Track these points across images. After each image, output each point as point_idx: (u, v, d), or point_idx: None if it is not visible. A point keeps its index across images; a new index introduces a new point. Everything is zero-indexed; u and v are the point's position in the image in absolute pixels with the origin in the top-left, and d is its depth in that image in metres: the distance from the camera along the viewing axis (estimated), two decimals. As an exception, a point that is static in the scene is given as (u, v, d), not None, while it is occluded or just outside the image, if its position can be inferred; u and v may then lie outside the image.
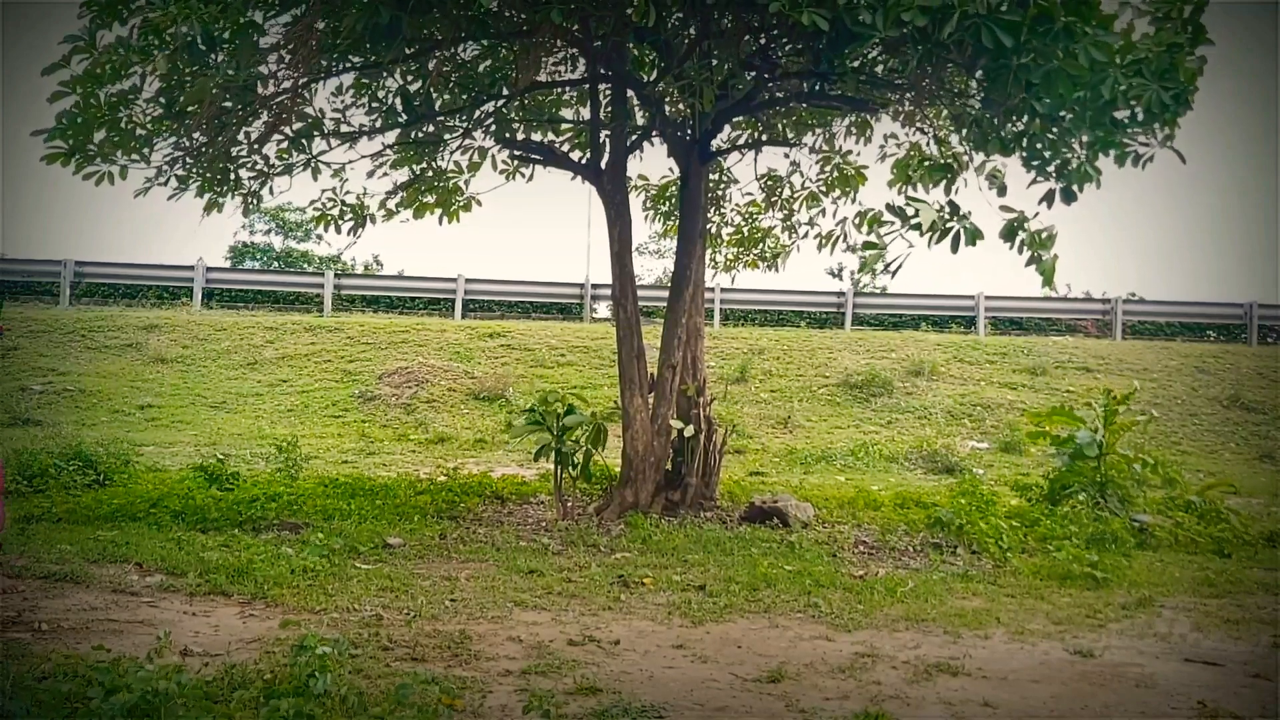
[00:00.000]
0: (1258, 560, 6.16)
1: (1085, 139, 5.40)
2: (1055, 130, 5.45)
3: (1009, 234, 5.67)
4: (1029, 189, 5.69)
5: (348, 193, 8.05)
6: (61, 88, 5.92)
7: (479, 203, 8.34)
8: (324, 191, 8.04)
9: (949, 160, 6.32)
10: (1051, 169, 5.57)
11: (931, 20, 4.63)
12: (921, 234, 5.37)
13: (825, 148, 8.41)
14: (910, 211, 5.36)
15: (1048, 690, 3.45)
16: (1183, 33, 5.02)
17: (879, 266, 5.51)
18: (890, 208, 5.47)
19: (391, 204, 8.18)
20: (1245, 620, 4.60)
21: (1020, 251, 5.74)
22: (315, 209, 8.18)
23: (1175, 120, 5.24)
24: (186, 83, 5.86)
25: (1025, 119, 5.46)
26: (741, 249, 9.13)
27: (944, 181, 6.01)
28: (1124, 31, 5.06)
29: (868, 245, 5.47)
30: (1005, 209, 5.71)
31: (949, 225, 5.45)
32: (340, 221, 8.11)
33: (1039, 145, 5.53)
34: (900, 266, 5.50)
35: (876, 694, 3.33)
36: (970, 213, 5.48)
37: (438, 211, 8.31)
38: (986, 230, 5.53)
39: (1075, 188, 5.57)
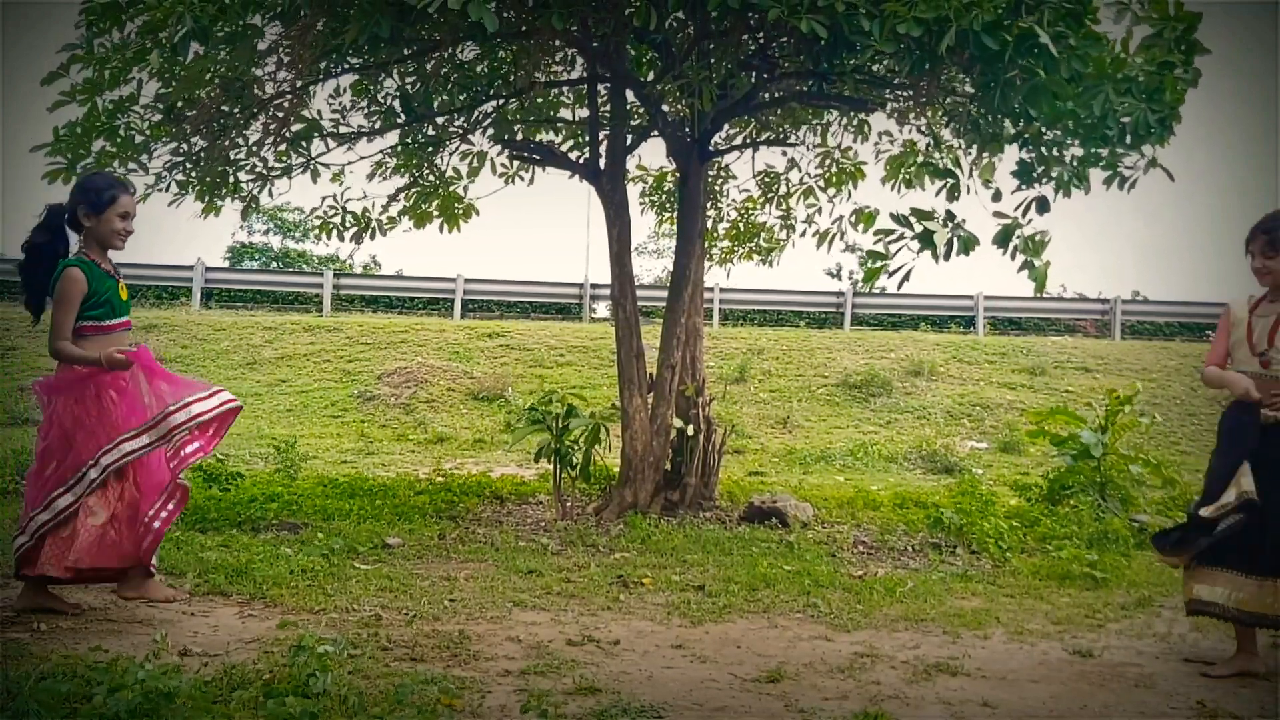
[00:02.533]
0: (1257, 560, 6.16)
1: (1076, 153, 5.42)
2: (1048, 139, 5.47)
3: (1003, 239, 5.68)
4: (1013, 194, 5.71)
5: (349, 199, 8.07)
6: (62, 97, 5.92)
7: (478, 211, 8.36)
8: (324, 199, 8.05)
9: (948, 167, 6.33)
10: (1037, 173, 5.58)
11: (927, 31, 4.65)
12: (935, 255, 5.37)
13: (822, 144, 8.42)
14: (918, 228, 5.36)
15: (1047, 690, 3.45)
16: (1175, 50, 5.02)
17: (883, 277, 5.50)
18: (896, 218, 5.48)
19: (394, 211, 8.19)
20: (1244, 620, 4.59)
21: (1013, 257, 5.75)
22: (317, 217, 8.18)
23: (1161, 142, 5.26)
24: (186, 76, 5.86)
25: (1020, 123, 5.47)
26: (736, 242, 9.13)
27: (945, 190, 6.01)
28: (1123, 41, 5.06)
29: (873, 254, 5.46)
30: (999, 215, 5.73)
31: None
32: (343, 228, 8.12)
33: (1029, 154, 5.54)
34: (907, 277, 5.49)
35: (876, 694, 3.33)
36: (964, 220, 5.49)
37: (438, 219, 8.33)
38: (981, 235, 5.54)
39: (1061, 194, 5.59)
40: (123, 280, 4.15)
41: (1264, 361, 3.76)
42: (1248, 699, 3.40)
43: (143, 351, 4.06)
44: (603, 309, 21.26)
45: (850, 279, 29.10)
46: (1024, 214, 5.68)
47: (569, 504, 6.88)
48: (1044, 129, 5.46)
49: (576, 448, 6.86)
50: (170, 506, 4.06)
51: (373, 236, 8.19)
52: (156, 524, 3.98)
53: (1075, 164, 5.50)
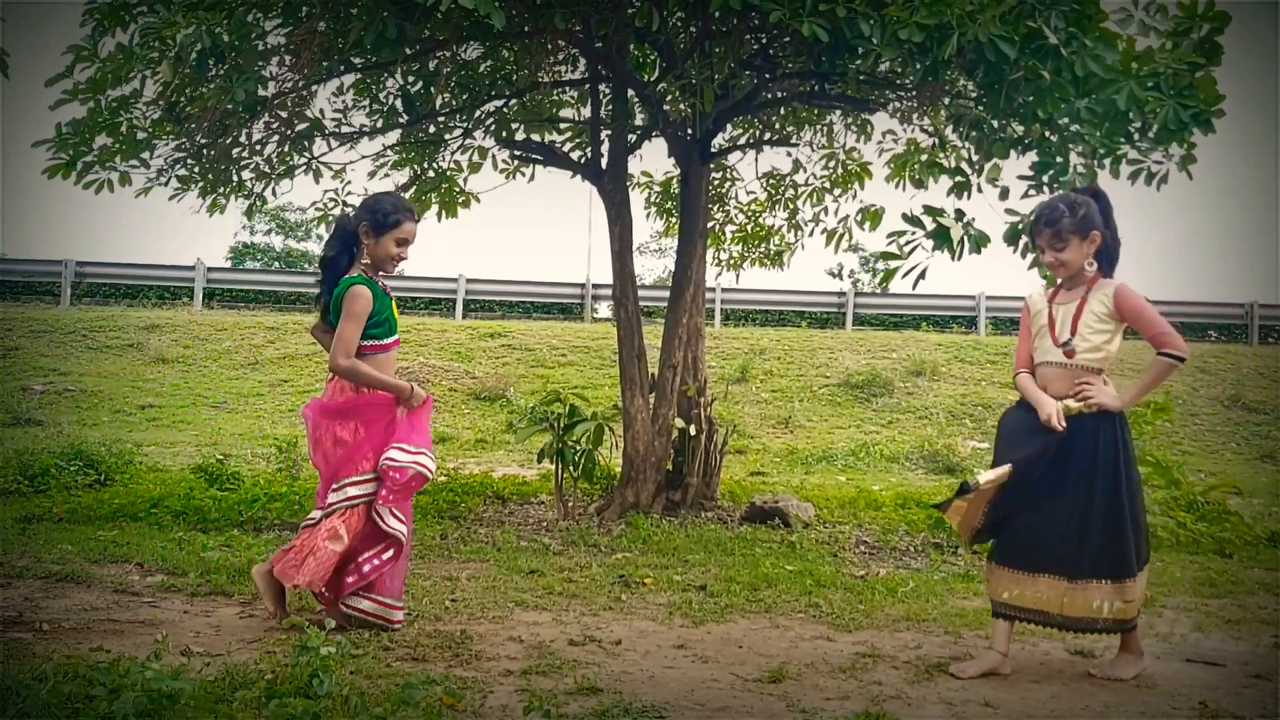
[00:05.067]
0: (1259, 560, 6.16)
1: (1092, 148, 5.36)
2: (1057, 137, 5.43)
3: (1012, 237, 5.66)
4: (1023, 198, 5.69)
5: (349, 193, 8.07)
6: (64, 96, 5.92)
7: (477, 199, 8.35)
8: (325, 192, 8.07)
9: (958, 165, 6.31)
10: (1046, 177, 5.55)
11: (929, 37, 4.63)
12: (951, 253, 5.34)
13: (826, 145, 8.41)
14: (930, 224, 5.33)
15: (1048, 690, 3.45)
16: (1199, 51, 4.96)
17: (898, 277, 5.46)
18: (907, 217, 5.45)
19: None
20: (1246, 620, 4.60)
21: (1023, 255, 5.73)
22: (317, 209, 8.19)
23: (1191, 140, 5.17)
24: (196, 92, 5.86)
25: (1025, 124, 5.44)
26: (746, 246, 9.13)
27: (954, 188, 5.98)
28: (1129, 43, 5.02)
29: (886, 255, 5.43)
30: (1010, 212, 5.71)
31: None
32: (342, 221, 8.12)
33: (1045, 151, 5.49)
34: (922, 276, 5.46)
35: (877, 694, 3.33)
36: (974, 218, 5.48)
37: (435, 206, 8.32)
38: (989, 233, 5.52)
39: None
40: (394, 298, 4.09)
41: (1068, 351, 3.65)
42: (1249, 699, 3.40)
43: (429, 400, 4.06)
44: (604, 309, 21.26)
45: (851, 278, 29.08)
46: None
47: (570, 504, 6.88)
48: (1047, 132, 5.43)
49: (578, 448, 6.86)
50: (386, 555, 3.95)
51: None
52: (367, 568, 3.92)
53: (1096, 159, 5.42)
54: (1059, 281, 3.79)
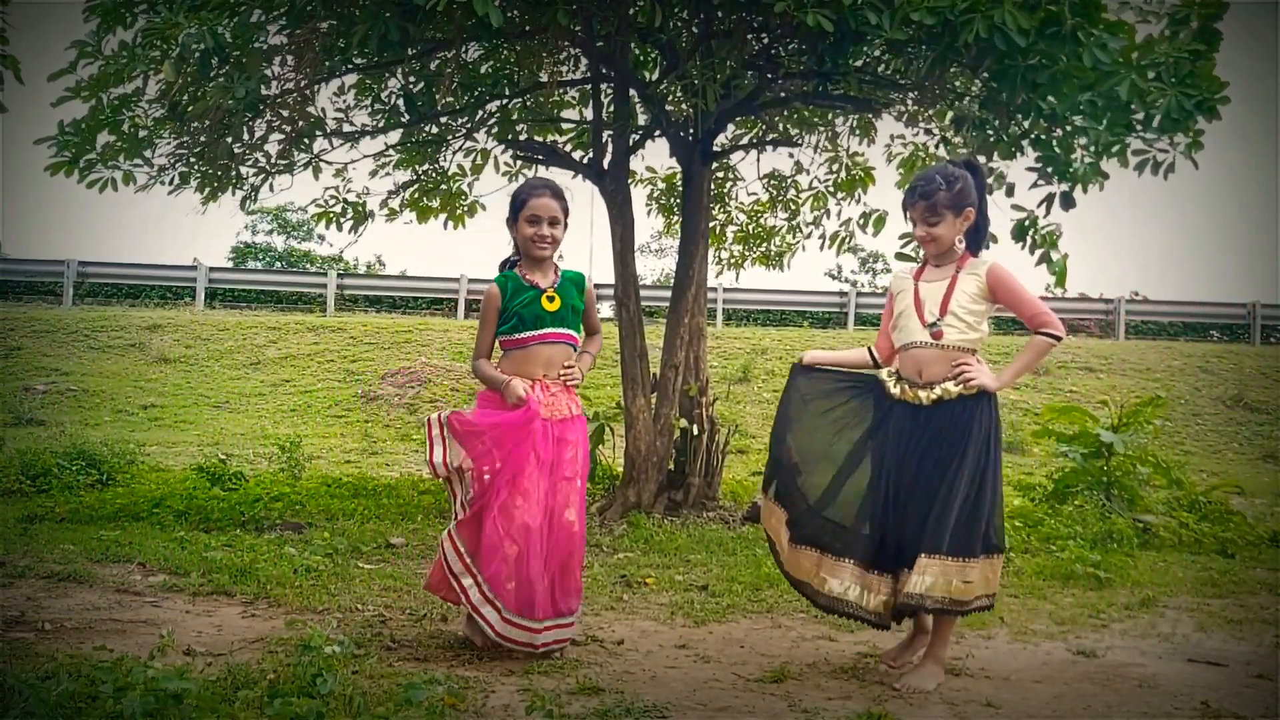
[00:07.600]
0: (1261, 560, 6.16)
1: (1095, 141, 5.33)
2: (1060, 132, 5.42)
3: (1020, 234, 5.65)
4: (1031, 190, 5.67)
5: (349, 190, 8.06)
6: (66, 93, 5.93)
7: (483, 207, 8.35)
8: (326, 189, 8.05)
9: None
10: (1050, 169, 5.53)
11: (942, 23, 4.59)
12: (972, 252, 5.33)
13: (829, 147, 8.41)
14: None
15: (1050, 690, 3.45)
16: (1198, 39, 4.93)
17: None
18: None
19: (394, 203, 8.18)
20: (1248, 620, 4.59)
21: (1031, 252, 5.72)
22: (317, 206, 8.17)
23: (1194, 129, 5.11)
24: (198, 94, 5.86)
25: (1029, 121, 5.43)
26: (746, 246, 9.13)
27: None
28: (1129, 33, 5.01)
29: (900, 257, 5.41)
30: (1017, 208, 5.70)
31: None
32: (341, 219, 8.11)
33: (1051, 147, 5.46)
34: None
35: (879, 694, 3.33)
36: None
37: (442, 215, 8.32)
38: (993, 230, 5.52)
39: (1081, 189, 5.52)
40: (552, 289, 3.87)
41: (935, 333, 3.42)
42: (1252, 699, 3.40)
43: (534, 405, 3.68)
44: (606, 309, 21.26)
45: (847, 280, 29.05)
46: (1046, 210, 5.62)
47: (572, 504, 6.87)
48: (1051, 127, 5.41)
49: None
50: None
51: (364, 221, 8.13)
52: None
53: (1098, 151, 5.37)
54: (924, 259, 3.63)
